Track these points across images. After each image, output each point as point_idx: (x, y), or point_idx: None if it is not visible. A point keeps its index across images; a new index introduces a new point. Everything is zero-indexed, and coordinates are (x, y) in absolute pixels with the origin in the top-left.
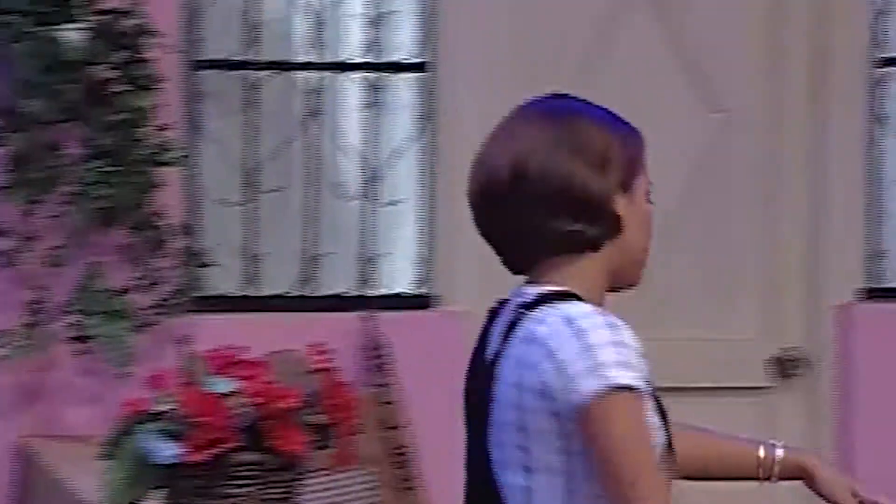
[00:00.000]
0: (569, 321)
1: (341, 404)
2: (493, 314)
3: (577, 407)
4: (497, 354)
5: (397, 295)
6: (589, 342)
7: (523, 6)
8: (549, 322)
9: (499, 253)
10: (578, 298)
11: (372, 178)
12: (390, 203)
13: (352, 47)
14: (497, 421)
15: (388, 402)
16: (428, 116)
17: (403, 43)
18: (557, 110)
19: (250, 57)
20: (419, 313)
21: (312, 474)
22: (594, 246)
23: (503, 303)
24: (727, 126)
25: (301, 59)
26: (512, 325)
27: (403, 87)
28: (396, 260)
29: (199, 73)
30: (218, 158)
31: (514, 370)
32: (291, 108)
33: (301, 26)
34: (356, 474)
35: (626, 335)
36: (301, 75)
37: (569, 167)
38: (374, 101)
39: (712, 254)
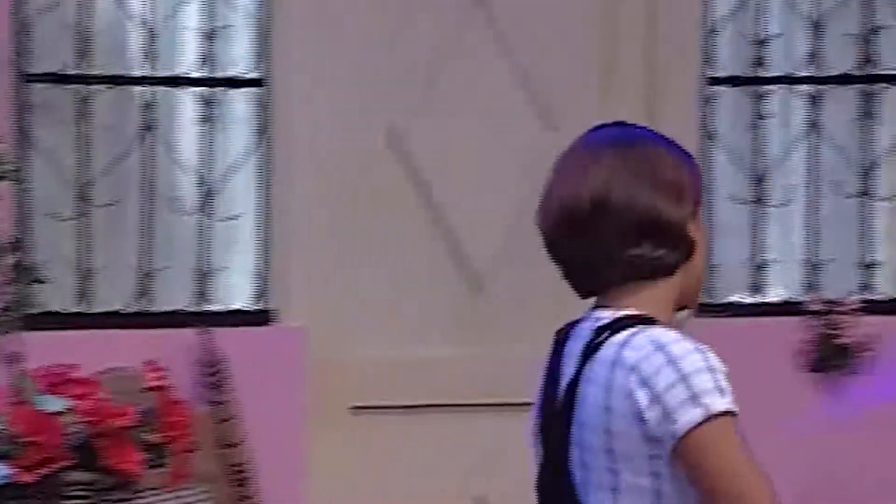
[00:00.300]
0: (659, 346)
1: (176, 422)
2: (562, 338)
3: (678, 437)
4: (576, 377)
5: (235, 311)
6: (684, 371)
7: (361, 23)
8: (636, 346)
9: (569, 276)
10: (654, 322)
11: (208, 193)
12: (227, 218)
13: (187, 62)
14: (580, 443)
15: (226, 419)
16: (263, 131)
17: (239, 58)
18: (628, 140)
19: (83, 70)
20: (257, 329)
21: (147, 493)
22: (670, 271)
23: (571, 326)
24: (563, 142)
25: (136, 73)
26: (592, 348)
27: (239, 102)
28: (234, 275)
29: (30, 85)
30: (50, 172)
31: (601, 393)
32: (126, 122)
33: (135, 40)
34: (191, 492)
35: (713, 358)
36: (136, 89)
37: (650, 197)
38: (210, 115)
39: (548, 269)
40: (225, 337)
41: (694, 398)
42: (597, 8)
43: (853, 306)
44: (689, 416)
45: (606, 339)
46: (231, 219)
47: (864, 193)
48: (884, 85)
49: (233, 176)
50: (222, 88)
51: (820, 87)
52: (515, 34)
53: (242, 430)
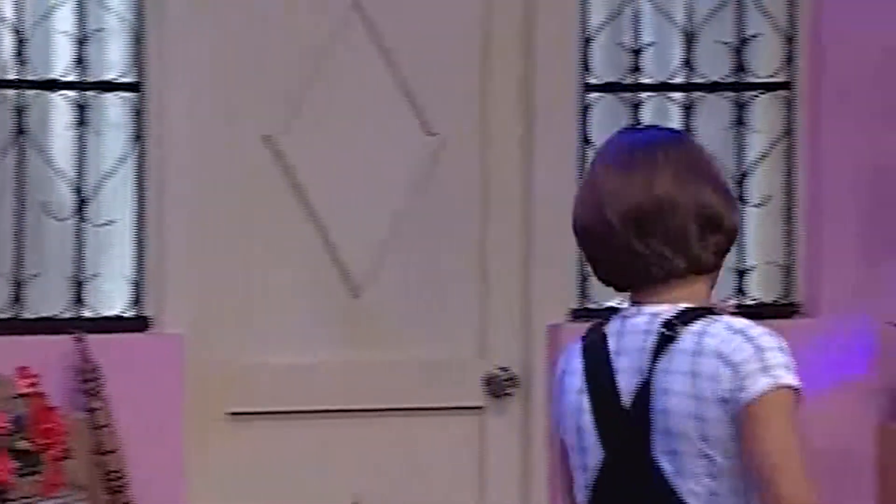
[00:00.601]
0: (736, 331)
1: (50, 429)
2: (599, 337)
3: (744, 404)
4: (651, 369)
5: (110, 317)
6: (761, 346)
7: (236, 26)
8: (714, 334)
9: (611, 273)
10: (717, 312)
11: (82, 198)
12: (102, 224)
13: (60, 66)
14: (667, 431)
15: (101, 427)
16: (138, 136)
17: (113, 62)
18: (674, 140)
19: None
20: (133, 336)
21: (20, 502)
22: (718, 266)
23: (600, 325)
24: (442, 148)
25: (8, 77)
26: (666, 340)
27: (113, 107)
28: (110, 281)
29: None
30: None
31: (688, 381)
32: None
33: (6, 43)
34: (66, 500)
35: (783, 341)
36: (8, 93)
37: (710, 194)
38: (84, 120)
39: (427, 274)
40: (100, 343)
41: (765, 369)
42: (474, 14)
43: (728, 311)
44: (758, 385)
45: (680, 330)
46: (106, 224)
47: (737, 199)
48: (756, 93)
49: (107, 181)
50: (96, 93)
51: (693, 94)
52: (393, 39)
53: (118, 437)
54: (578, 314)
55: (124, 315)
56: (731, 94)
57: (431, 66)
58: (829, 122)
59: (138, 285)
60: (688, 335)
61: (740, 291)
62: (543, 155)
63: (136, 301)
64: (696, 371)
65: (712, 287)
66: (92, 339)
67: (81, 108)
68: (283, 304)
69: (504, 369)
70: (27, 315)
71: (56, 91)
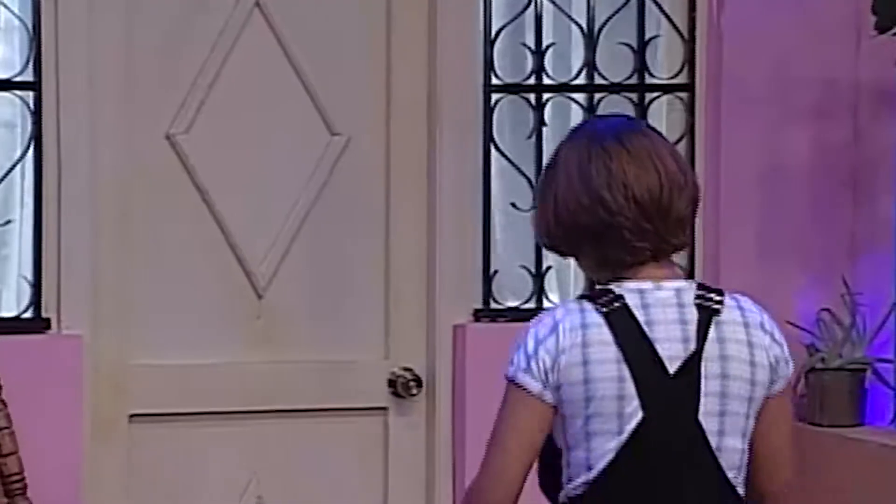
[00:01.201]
0: (760, 308)
1: None
2: (621, 307)
3: (787, 379)
4: (702, 338)
5: (9, 318)
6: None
7: (137, 24)
8: (750, 309)
9: (636, 247)
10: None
11: None
12: (0, 224)
13: None
14: (722, 393)
15: None
16: (35, 135)
17: (9, 60)
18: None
19: None
20: (31, 337)
21: None
22: None
23: (616, 300)
24: (345, 148)
25: None
26: (713, 312)
27: (9, 105)
28: (7, 282)
29: None
30: None
31: (744, 350)
32: None
33: None
34: None
35: None
36: None
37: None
38: None
39: (331, 275)
40: None
41: (788, 356)
42: (377, 13)
43: None
44: (788, 371)
45: (720, 303)
46: (3, 225)
47: None
48: (656, 94)
49: (4, 181)
50: None
51: (595, 95)
52: (295, 38)
53: (16, 439)
54: (482, 314)
55: (22, 316)
56: (632, 95)
57: (334, 65)
58: (728, 123)
59: (37, 286)
60: (731, 308)
61: None
62: (447, 155)
63: (35, 302)
64: (750, 341)
65: None
66: None
67: None
68: (185, 304)
69: (408, 370)
70: None
71: None
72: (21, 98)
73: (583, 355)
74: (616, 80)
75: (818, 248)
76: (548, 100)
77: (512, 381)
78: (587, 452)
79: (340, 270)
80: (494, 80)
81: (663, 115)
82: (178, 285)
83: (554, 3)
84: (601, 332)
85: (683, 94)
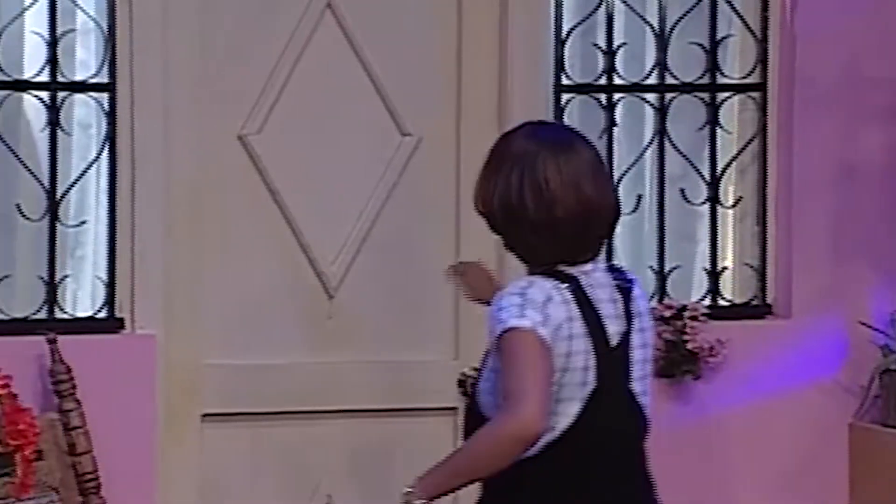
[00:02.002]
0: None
1: (23, 430)
2: (578, 286)
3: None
4: (629, 314)
5: (83, 318)
6: None
7: (209, 26)
8: (637, 281)
9: (586, 249)
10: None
11: (55, 200)
12: (75, 225)
13: (33, 66)
14: (645, 360)
15: (73, 428)
16: (110, 137)
17: (86, 62)
18: None
19: None
20: (105, 337)
21: None
22: None
23: (572, 279)
24: (416, 149)
25: None
26: (629, 289)
27: (85, 107)
28: (82, 282)
29: None
30: None
31: (645, 320)
32: None
33: None
34: (39, 502)
35: None
36: None
37: None
38: (56, 120)
39: (401, 275)
40: (73, 345)
41: None
42: (448, 15)
43: (700, 312)
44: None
45: (630, 282)
46: (78, 225)
47: (710, 201)
48: (728, 94)
49: (80, 182)
50: (68, 93)
51: (666, 95)
52: (367, 40)
53: (91, 438)
54: None
55: (97, 316)
56: (703, 95)
57: (405, 65)
58: (800, 123)
59: (111, 286)
60: (635, 286)
61: (713, 293)
62: None
63: (109, 302)
64: (644, 311)
65: None
66: (64, 340)
67: (53, 109)
68: (256, 304)
69: (478, 369)
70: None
71: (28, 92)
72: (96, 99)
73: (568, 329)
74: (688, 80)
75: (891, 248)
76: (619, 100)
77: (532, 332)
78: (554, 416)
79: (411, 271)
80: (565, 81)
81: (735, 115)
82: (250, 286)
83: (625, 2)
84: (572, 310)
85: (756, 94)
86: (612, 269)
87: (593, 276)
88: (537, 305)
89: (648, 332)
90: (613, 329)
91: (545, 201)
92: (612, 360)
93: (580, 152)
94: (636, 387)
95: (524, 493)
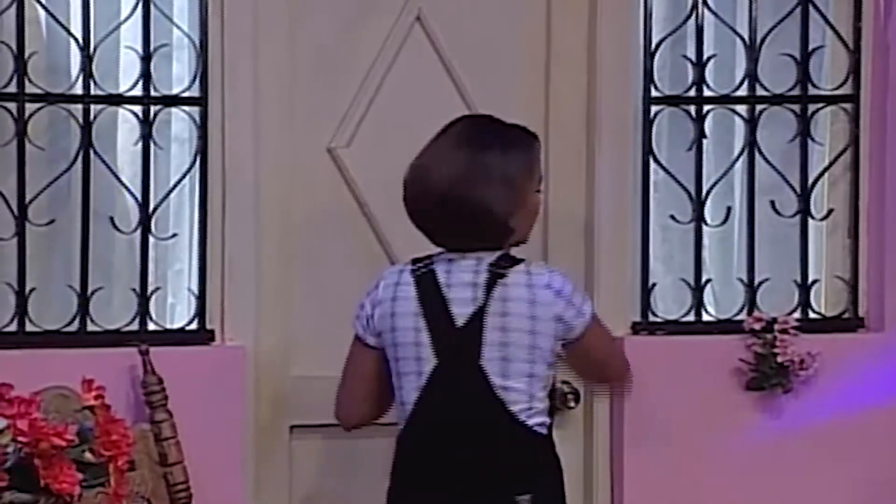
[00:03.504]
0: (551, 272)
1: (115, 441)
2: (426, 275)
3: (585, 325)
4: (487, 298)
5: (174, 330)
6: (573, 284)
7: (299, 40)
8: (539, 272)
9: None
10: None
11: (146, 212)
12: (167, 237)
13: (126, 80)
14: (503, 343)
15: (165, 439)
16: (201, 150)
17: (178, 76)
18: None
19: (16, 88)
20: (196, 349)
21: None
22: None
23: (426, 266)
24: None
25: (74, 91)
26: (497, 276)
27: (178, 121)
28: (174, 294)
29: None
30: None
31: (524, 306)
32: (63, 141)
33: (73, 59)
34: None
35: None
36: (76, 107)
37: None
38: (149, 134)
39: None
40: (164, 356)
41: (585, 300)
42: (537, 26)
43: (791, 325)
44: (583, 317)
45: (507, 267)
46: (170, 238)
47: (801, 213)
48: (820, 105)
49: (172, 195)
50: (160, 107)
51: (757, 107)
52: (456, 53)
53: (182, 449)
54: (640, 327)
55: (188, 328)
56: (795, 106)
57: (494, 77)
58: (893, 135)
59: (201, 298)
60: (514, 273)
61: (804, 306)
62: (606, 167)
63: (200, 314)
64: (532, 299)
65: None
66: (156, 351)
67: (147, 123)
68: (345, 316)
69: (566, 383)
70: (93, 328)
71: (122, 105)
72: (188, 113)
73: (391, 307)
74: (779, 91)
75: None
76: (708, 112)
77: (354, 329)
78: (400, 391)
79: None
80: (654, 93)
81: (827, 127)
82: (339, 298)
83: (715, 13)
84: (408, 290)
85: (848, 106)
86: (505, 258)
87: (460, 262)
88: (370, 290)
89: (519, 319)
90: (461, 309)
91: (404, 188)
92: (457, 340)
93: (451, 143)
94: (492, 367)
95: (393, 467)
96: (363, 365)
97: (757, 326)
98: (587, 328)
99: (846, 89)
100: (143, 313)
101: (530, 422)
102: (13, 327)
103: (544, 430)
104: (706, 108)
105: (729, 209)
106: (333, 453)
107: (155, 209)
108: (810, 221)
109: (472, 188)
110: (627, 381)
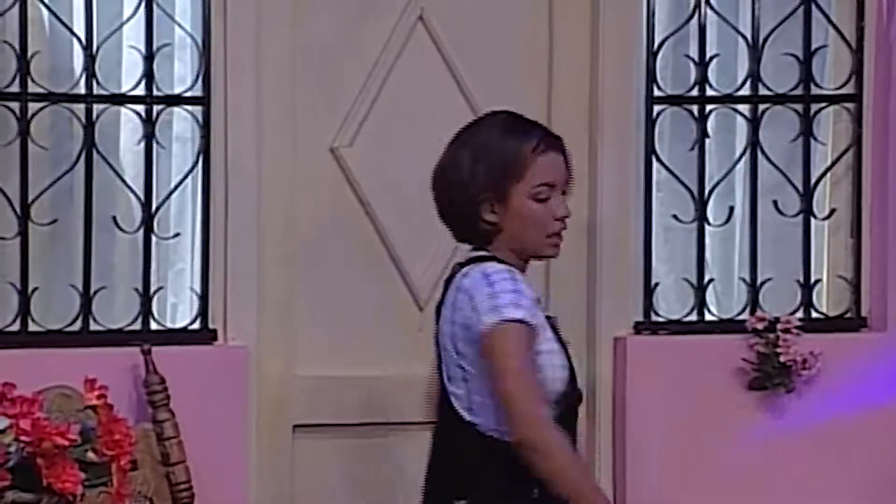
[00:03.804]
0: (484, 273)
1: (118, 441)
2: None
3: (480, 335)
4: (442, 302)
5: (176, 329)
6: (493, 289)
7: (302, 40)
8: (471, 274)
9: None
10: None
11: (149, 212)
12: (169, 237)
13: (128, 80)
14: (445, 348)
15: (167, 438)
16: (203, 150)
17: (180, 76)
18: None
19: (22, 88)
20: (199, 348)
21: None
22: None
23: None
24: None
25: (77, 91)
26: (450, 278)
27: (180, 121)
28: (176, 294)
29: None
30: None
31: (450, 310)
32: (66, 141)
33: (76, 59)
34: None
35: (520, 284)
36: (78, 107)
37: None
38: (151, 133)
39: None
40: (167, 356)
41: (494, 307)
42: (539, 27)
43: (793, 324)
44: (488, 319)
45: (457, 271)
46: (172, 237)
47: (804, 212)
48: (822, 105)
49: (174, 194)
50: (163, 106)
51: (759, 106)
52: (458, 52)
53: (184, 448)
54: (643, 327)
55: (190, 328)
56: (797, 106)
57: (497, 77)
58: None
59: (204, 298)
60: (459, 275)
61: (807, 305)
62: (608, 167)
63: (202, 314)
64: (454, 303)
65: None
66: (158, 351)
67: (149, 122)
68: (348, 316)
69: None
70: (95, 328)
71: (125, 105)
72: (191, 113)
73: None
74: (781, 91)
75: None
76: (710, 111)
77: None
78: None
79: None
80: (657, 92)
81: (830, 127)
82: (342, 297)
83: (718, 13)
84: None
85: (850, 105)
86: (477, 258)
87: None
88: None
89: (445, 323)
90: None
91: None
92: (436, 345)
93: (463, 137)
94: (444, 370)
95: None
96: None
97: (759, 326)
98: (484, 338)
99: (849, 89)
100: (146, 313)
101: (480, 424)
102: (16, 327)
103: (497, 435)
104: (709, 107)
105: (731, 209)
106: (335, 452)
107: (157, 209)
108: (813, 221)
109: (449, 157)
110: (526, 444)
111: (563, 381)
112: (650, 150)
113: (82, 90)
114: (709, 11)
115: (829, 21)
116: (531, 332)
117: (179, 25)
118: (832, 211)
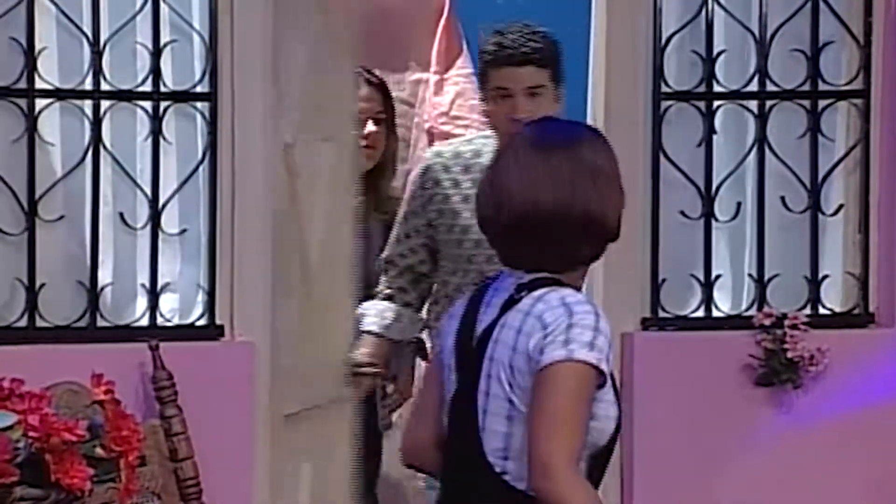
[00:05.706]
0: (564, 303)
1: (126, 436)
2: (481, 291)
3: (540, 367)
4: (494, 323)
5: (183, 325)
6: (572, 321)
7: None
8: (546, 300)
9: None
10: (561, 284)
11: (156, 208)
12: (176, 233)
13: (135, 77)
14: (489, 375)
15: (175, 434)
16: (211, 146)
17: (187, 73)
18: (577, 140)
19: (25, 84)
20: (206, 344)
21: None
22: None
23: (491, 281)
24: None
25: (84, 87)
26: (512, 301)
27: (188, 117)
28: (183, 290)
29: None
30: None
31: (513, 336)
32: (73, 137)
33: (84, 55)
34: None
35: (603, 322)
36: (85, 103)
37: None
38: (159, 129)
39: None
40: (174, 352)
41: (566, 342)
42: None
43: (801, 320)
44: (555, 354)
45: (524, 294)
46: (180, 233)
47: (812, 208)
48: (830, 101)
49: (181, 190)
50: (170, 102)
51: (767, 102)
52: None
53: (192, 444)
54: (650, 323)
55: (197, 323)
56: (805, 101)
57: None
58: None
59: (211, 294)
60: (528, 298)
61: (814, 301)
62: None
63: (209, 310)
64: (521, 328)
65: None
66: (166, 347)
67: (156, 118)
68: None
69: None
70: (102, 323)
71: (132, 101)
72: (198, 109)
73: (443, 326)
74: (789, 86)
75: None
76: (718, 107)
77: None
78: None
79: None
80: (664, 88)
81: (837, 123)
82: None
83: (725, 9)
84: (461, 307)
85: (858, 101)
86: (538, 281)
87: (502, 281)
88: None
89: (504, 349)
90: (478, 331)
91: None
92: (470, 362)
93: (516, 155)
94: (481, 401)
95: None
96: (426, 386)
97: (767, 322)
98: (544, 372)
99: (857, 84)
100: (153, 309)
101: (504, 473)
102: (23, 322)
103: (522, 485)
104: (716, 103)
105: (739, 205)
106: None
107: (164, 205)
108: (820, 217)
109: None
110: (543, 496)
111: (609, 435)
112: (657, 147)
113: (89, 86)
114: (716, 7)
115: (837, 16)
116: (599, 378)
117: (187, 22)
118: (840, 207)
